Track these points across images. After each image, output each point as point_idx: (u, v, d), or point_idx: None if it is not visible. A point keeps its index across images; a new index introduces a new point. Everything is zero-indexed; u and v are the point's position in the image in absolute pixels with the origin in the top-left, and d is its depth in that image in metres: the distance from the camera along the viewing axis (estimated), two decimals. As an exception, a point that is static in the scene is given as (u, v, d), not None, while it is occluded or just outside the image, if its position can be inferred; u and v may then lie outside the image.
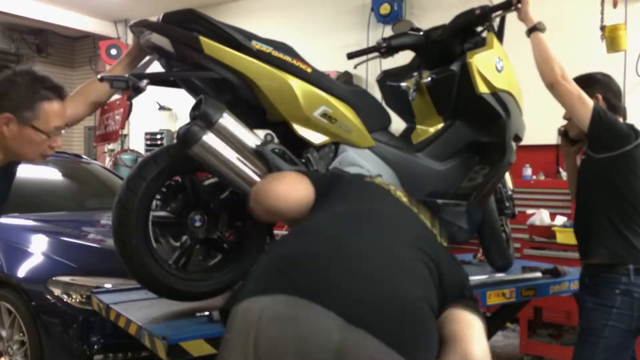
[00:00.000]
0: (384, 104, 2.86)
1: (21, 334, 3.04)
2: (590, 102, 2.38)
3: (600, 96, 2.51)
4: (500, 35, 2.80)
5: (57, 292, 2.92)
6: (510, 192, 3.14)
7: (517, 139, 2.81)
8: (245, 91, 2.15)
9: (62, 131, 1.98)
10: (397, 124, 2.84)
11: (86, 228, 3.86)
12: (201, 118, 1.98)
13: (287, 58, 2.19)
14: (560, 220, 4.15)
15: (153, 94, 7.38)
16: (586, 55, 5.09)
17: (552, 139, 4.95)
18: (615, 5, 4.98)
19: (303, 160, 2.33)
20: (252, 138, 2.11)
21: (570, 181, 2.77)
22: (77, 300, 2.90)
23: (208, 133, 2.00)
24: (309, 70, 2.21)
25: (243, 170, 2.08)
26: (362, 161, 2.34)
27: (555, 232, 4.00)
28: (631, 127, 2.45)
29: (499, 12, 2.71)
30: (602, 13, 4.92)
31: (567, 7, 5.25)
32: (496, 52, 2.68)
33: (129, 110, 2.08)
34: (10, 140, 1.88)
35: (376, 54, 2.91)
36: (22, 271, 3.11)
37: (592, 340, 2.37)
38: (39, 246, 3.32)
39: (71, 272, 3.00)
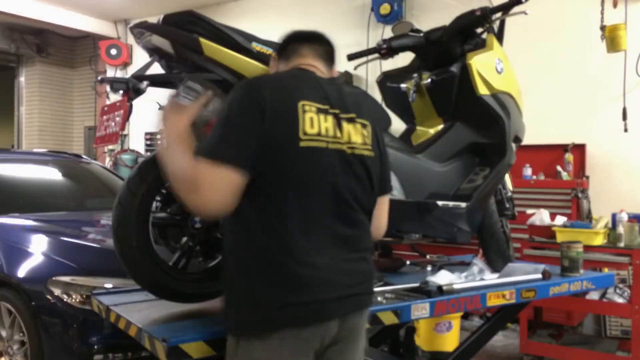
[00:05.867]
0: (384, 105, 2.86)
1: (21, 334, 3.04)
2: None
3: None
4: (500, 36, 2.81)
5: (57, 292, 2.92)
6: (510, 194, 3.13)
7: (517, 140, 2.81)
8: (246, 92, 2.15)
9: None
10: (397, 125, 2.84)
11: (86, 228, 3.85)
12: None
13: (287, 59, 2.19)
14: (560, 220, 4.13)
15: (153, 94, 7.35)
16: (586, 55, 5.09)
17: (552, 139, 4.97)
18: (615, 5, 4.99)
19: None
20: None
21: None
22: (77, 300, 2.89)
23: None
24: (309, 71, 2.21)
25: None
26: (362, 162, 2.34)
27: (555, 232, 3.99)
28: None
29: (499, 14, 2.71)
30: (602, 13, 4.92)
31: (567, 7, 5.25)
32: (496, 53, 2.68)
33: (129, 112, 2.08)
34: None
35: (376, 55, 2.91)
36: (22, 271, 3.11)
37: None
38: (39, 246, 3.32)
39: (71, 272, 3.00)
